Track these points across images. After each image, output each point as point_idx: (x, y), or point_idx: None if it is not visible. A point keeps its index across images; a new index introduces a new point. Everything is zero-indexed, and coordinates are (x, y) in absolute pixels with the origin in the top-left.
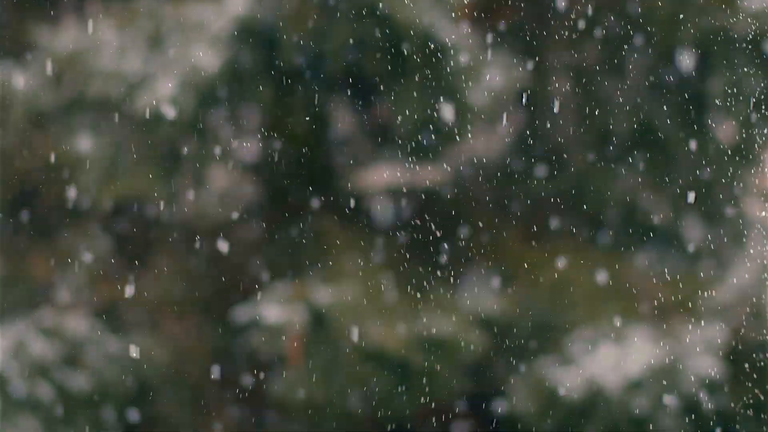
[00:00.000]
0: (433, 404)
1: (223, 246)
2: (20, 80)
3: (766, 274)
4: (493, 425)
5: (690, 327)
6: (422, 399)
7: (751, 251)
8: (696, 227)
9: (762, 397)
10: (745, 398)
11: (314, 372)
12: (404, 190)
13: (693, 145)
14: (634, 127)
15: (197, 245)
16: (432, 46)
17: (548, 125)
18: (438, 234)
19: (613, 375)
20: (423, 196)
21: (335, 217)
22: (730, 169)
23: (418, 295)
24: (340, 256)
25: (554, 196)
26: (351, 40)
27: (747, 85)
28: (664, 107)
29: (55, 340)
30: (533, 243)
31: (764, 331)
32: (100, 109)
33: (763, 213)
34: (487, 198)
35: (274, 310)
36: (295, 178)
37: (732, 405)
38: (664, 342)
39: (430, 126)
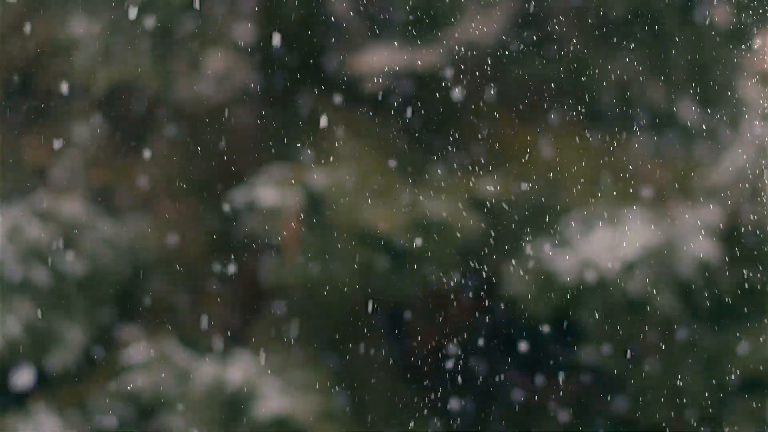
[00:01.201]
0: (428, 286)
1: (218, 129)
2: None
3: (763, 159)
4: (488, 307)
5: (686, 209)
6: (417, 281)
7: (748, 134)
8: (692, 110)
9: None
10: (740, 280)
11: (310, 254)
12: (400, 73)
13: (689, 27)
14: (630, 10)
15: (192, 129)
16: None
17: (544, 7)
18: (433, 117)
19: (609, 257)
20: (418, 79)
21: (331, 100)
22: (726, 51)
23: (414, 178)
24: (335, 139)
25: (550, 78)
26: None
27: None
28: None
29: (51, 223)
30: (529, 126)
31: (761, 212)
32: None
33: (759, 95)
34: (483, 81)
35: (270, 193)
36: (291, 61)
37: (727, 286)
38: (659, 224)
39: (426, 8)
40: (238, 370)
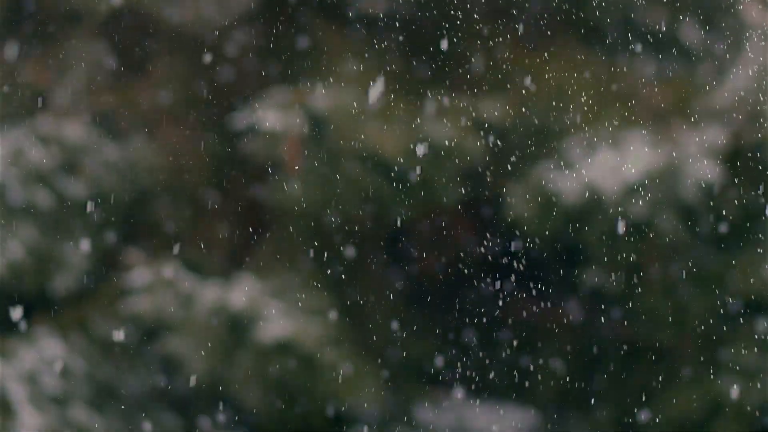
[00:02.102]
0: (430, 209)
1: (220, 52)
2: None
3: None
4: (490, 230)
5: (688, 131)
6: (419, 204)
7: (750, 54)
8: (694, 31)
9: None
10: (742, 202)
11: (312, 177)
12: None
13: None
14: None
15: (195, 51)
16: None
17: None
18: (436, 39)
19: (611, 179)
20: (419, 1)
21: (333, 23)
22: None
23: (416, 101)
24: (337, 61)
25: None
26: None
27: None
28: None
29: (53, 147)
30: (531, 47)
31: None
32: None
33: (761, 15)
34: (485, 4)
35: (272, 115)
36: None
37: (729, 209)
38: (662, 147)
39: None
40: (241, 293)
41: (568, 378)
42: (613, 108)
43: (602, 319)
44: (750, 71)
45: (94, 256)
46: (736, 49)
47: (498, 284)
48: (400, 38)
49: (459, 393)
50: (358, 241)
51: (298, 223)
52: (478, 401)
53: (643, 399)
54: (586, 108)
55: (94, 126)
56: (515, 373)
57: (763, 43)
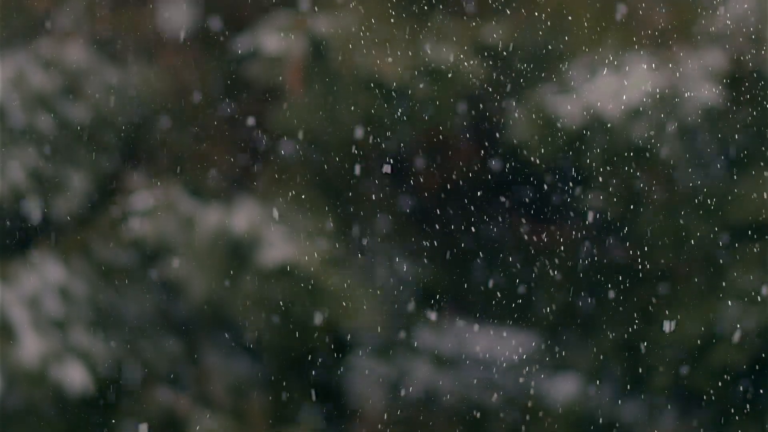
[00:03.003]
0: (431, 132)
1: None
2: None
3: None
4: (491, 152)
5: (690, 54)
6: (420, 127)
7: None
8: None
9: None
10: (743, 123)
11: (313, 100)
12: None
13: None
14: None
15: None
16: None
17: None
18: None
19: (613, 103)
20: None
21: None
22: None
23: (417, 24)
24: None
25: None
26: None
27: None
28: None
29: (55, 70)
30: None
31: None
32: None
33: None
34: None
35: (274, 40)
36: None
37: (731, 130)
38: (663, 69)
39: None
40: (243, 216)
41: (569, 300)
42: (615, 31)
43: (603, 242)
44: None
45: (95, 180)
46: None
47: (498, 207)
48: None
49: (460, 316)
50: (360, 164)
51: (299, 146)
52: (478, 324)
53: (644, 322)
54: (587, 31)
55: (96, 50)
56: (516, 295)
57: None
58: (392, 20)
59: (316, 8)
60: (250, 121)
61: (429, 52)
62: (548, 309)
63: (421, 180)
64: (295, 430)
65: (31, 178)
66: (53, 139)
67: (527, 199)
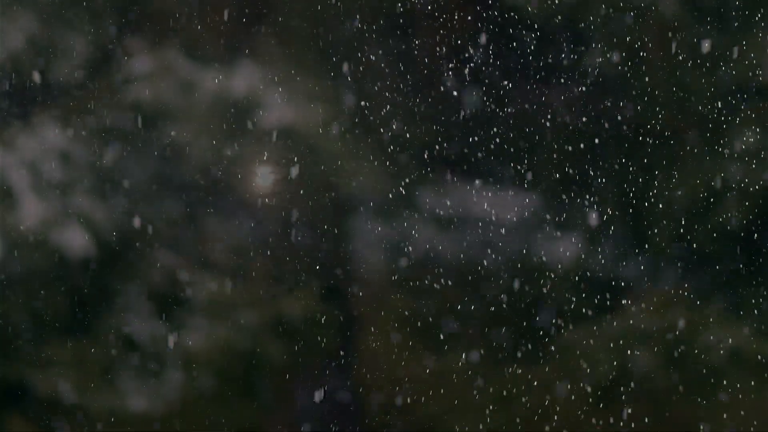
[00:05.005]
0: None
1: None
2: None
3: None
4: (491, 15)
5: None
6: None
7: None
8: None
9: None
10: None
11: None
12: None
13: None
14: None
15: None
16: None
17: None
18: None
19: None
20: None
21: None
22: None
23: None
24: None
25: None
26: None
27: None
28: None
29: None
30: None
31: None
32: None
33: None
34: None
35: None
36: None
37: None
38: None
39: None
40: (243, 80)
41: (571, 161)
42: None
43: (604, 101)
44: None
45: (94, 45)
46: None
47: (499, 70)
48: None
49: (461, 177)
50: (359, 26)
51: (298, 8)
52: (479, 184)
53: (646, 181)
54: None
55: None
56: (518, 157)
57: None
58: None
59: None
60: None
61: None
62: (550, 170)
63: (420, 42)
64: (297, 292)
65: (30, 43)
66: (52, 4)
67: (528, 59)
